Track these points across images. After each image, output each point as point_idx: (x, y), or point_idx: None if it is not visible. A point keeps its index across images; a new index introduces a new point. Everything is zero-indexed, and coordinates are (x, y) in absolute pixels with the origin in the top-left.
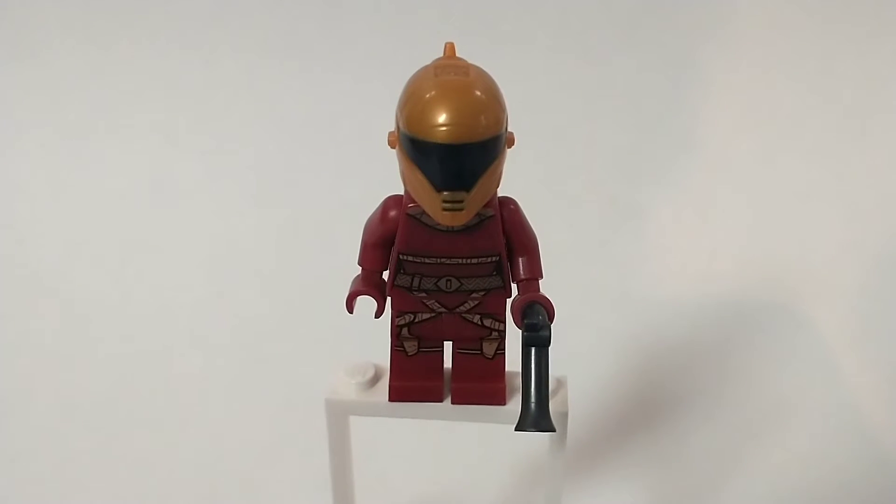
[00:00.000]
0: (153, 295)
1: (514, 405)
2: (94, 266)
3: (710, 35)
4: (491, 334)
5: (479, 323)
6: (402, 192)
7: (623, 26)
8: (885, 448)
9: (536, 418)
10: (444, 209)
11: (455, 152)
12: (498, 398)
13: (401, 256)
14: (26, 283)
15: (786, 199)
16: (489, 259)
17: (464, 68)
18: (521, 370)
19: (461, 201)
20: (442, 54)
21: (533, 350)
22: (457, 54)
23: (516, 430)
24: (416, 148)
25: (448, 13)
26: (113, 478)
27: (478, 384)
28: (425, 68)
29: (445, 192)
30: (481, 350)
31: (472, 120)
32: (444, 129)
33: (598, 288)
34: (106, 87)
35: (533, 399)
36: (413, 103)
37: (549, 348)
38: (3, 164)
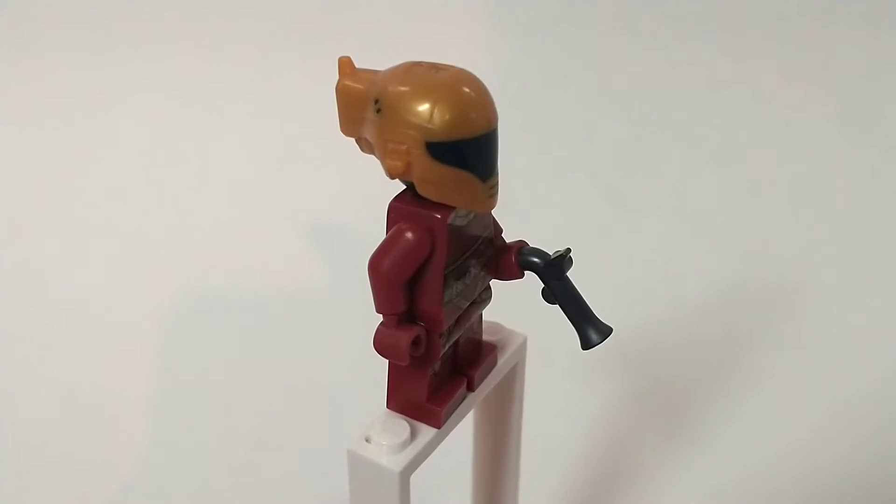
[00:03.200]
0: (153, 287)
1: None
2: (92, 258)
3: (712, 28)
4: (485, 305)
5: (479, 299)
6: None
7: (624, 19)
8: (883, 441)
9: (598, 331)
10: (490, 195)
11: (496, 134)
12: (494, 361)
13: (445, 272)
14: (25, 276)
15: (786, 192)
16: (487, 233)
17: (424, 62)
18: (558, 303)
19: (497, 181)
20: (353, 69)
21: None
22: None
23: (585, 349)
24: (469, 149)
25: (448, 3)
26: (112, 470)
27: (481, 359)
28: (400, 82)
29: (490, 179)
30: (473, 328)
31: (492, 98)
32: (488, 116)
33: (598, 281)
34: (104, 81)
35: (584, 318)
36: (449, 109)
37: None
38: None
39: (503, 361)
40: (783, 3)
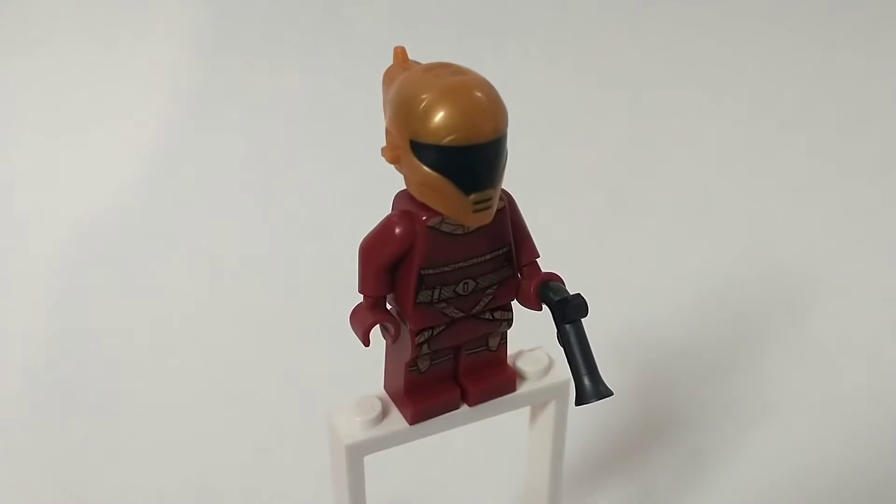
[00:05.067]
0: (152, 288)
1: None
2: (92, 259)
3: (711, 28)
4: (500, 326)
5: (491, 317)
6: (388, 203)
7: (624, 19)
8: (881, 441)
9: (594, 388)
10: (476, 210)
11: (489, 150)
12: (510, 387)
13: (422, 272)
14: (25, 275)
15: (786, 192)
16: (501, 251)
17: (454, 66)
18: (562, 347)
19: (490, 199)
20: (406, 58)
21: (572, 323)
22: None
23: (577, 405)
24: (448, 156)
25: (448, 5)
26: (112, 472)
27: (489, 380)
28: (413, 75)
29: (475, 194)
30: (487, 345)
31: (499, 114)
32: (484, 128)
33: (597, 281)
34: (104, 79)
35: (584, 371)
36: (437, 112)
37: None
38: (2, 156)
39: (525, 391)
40: (784, 2)
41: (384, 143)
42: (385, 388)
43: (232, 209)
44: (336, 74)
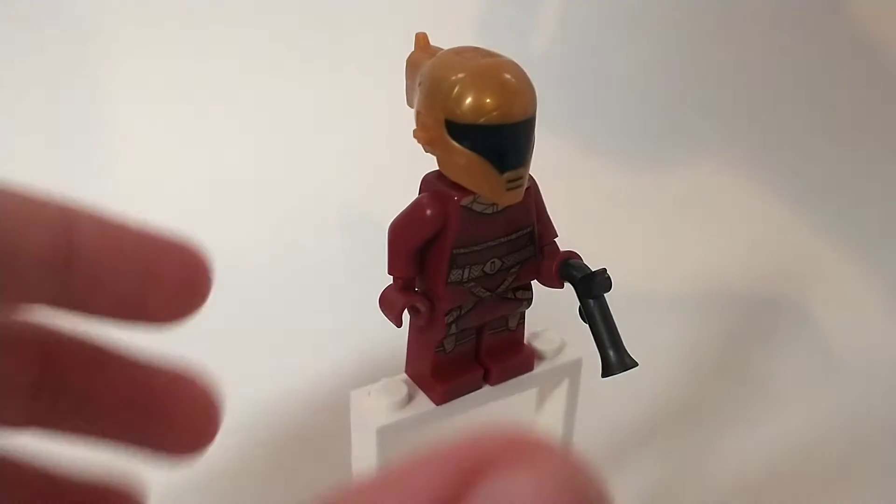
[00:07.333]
0: None
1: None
2: None
3: (711, 29)
4: (521, 305)
5: (513, 297)
6: (416, 186)
7: (623, 20)
8: (881, 441)
9: (619, 360)
10: (509, 189)
11: (523, 128)
12: (528, 366)
13: (454, 251)
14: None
15: (787, 194)
16: (526, 231)
17: (483, 49)
18: (587, 322)
19: (522, 177)
20: (427, 43)
21: (597, 298)
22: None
23: (604, 377)
24: (483, 135)
25: (443, 5)
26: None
27: (510, 359)
28: (444, 59)
29: (509, 172)
30: (507, 325)
31: (530, 94)
32: (516, 108)
33: None
34: (106, 78)
35: (609, 344)
36: (472, 93)
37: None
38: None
39: (541, 371)
40: (783, 3)
41: (415, 126)
42: (407, 371)
43: (234, 198)
44: (337, 70)
